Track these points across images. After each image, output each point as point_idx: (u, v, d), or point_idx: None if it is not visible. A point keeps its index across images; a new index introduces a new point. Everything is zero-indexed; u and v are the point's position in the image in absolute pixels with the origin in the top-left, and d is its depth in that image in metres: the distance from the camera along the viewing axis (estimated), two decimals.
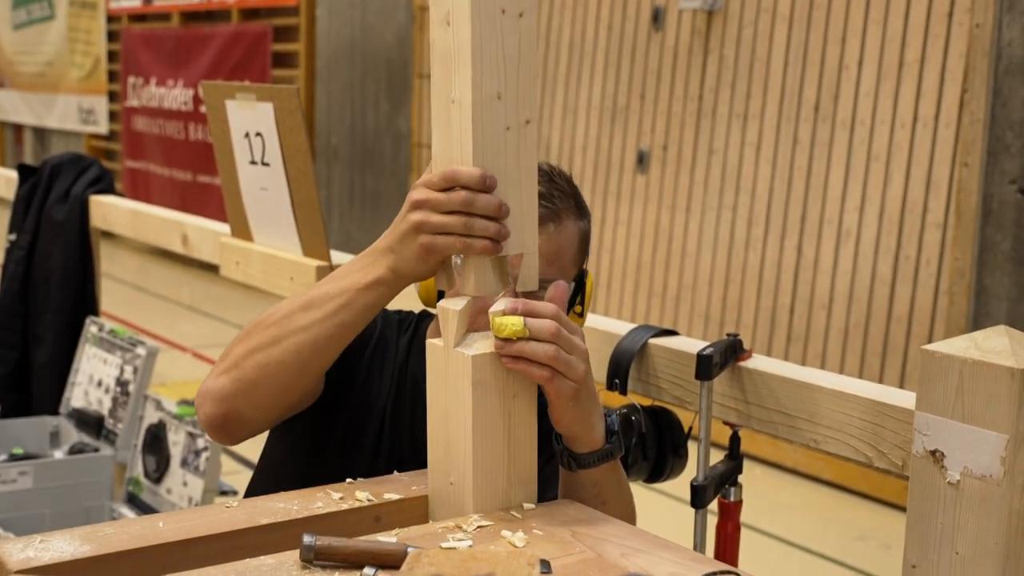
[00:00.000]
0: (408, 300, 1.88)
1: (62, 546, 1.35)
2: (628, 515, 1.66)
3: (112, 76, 11.10)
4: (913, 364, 4.74)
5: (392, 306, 1.73)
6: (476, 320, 1.47)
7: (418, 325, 1.90)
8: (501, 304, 1.43)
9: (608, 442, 1.55)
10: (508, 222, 1.47)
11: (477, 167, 1.43)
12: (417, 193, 1.47)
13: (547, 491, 1.63)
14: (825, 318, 5.09)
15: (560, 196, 1.70)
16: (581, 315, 1.82)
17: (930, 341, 4.67)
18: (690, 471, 1.94)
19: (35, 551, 1.34)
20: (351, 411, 1.81)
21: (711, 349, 1.81)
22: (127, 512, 3.33)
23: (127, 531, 1.40)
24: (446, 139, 1.46)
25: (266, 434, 1.87)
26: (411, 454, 1.79)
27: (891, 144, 4.84)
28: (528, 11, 1.45)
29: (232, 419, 1.65)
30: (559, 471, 1.60)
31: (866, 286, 4.92)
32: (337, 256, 2.73)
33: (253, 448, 1.89)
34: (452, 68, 1.44)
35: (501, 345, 1.43)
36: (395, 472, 1.69)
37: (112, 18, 11.02)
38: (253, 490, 1.84)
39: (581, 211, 1.76)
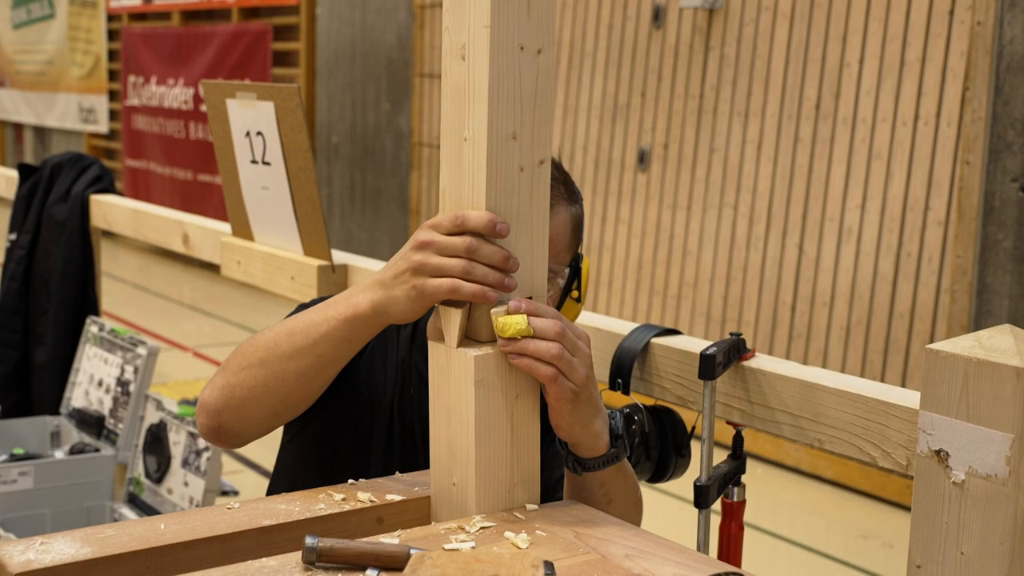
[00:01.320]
0: None
1: (63, 548, 1.35)
2: (635, 511, 1.67)
3: (112, 75, 11.09)
4: (915, 362, 4.74)
5: None
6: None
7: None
8: (503, 306, 1.43)
9: (613, 446, 1.55)
10: (518, 261, 1.44)
11: (488, 212, 1.40)
12: (422, 234, 1.44)
13: (552, 472, 1.63)
14: (827, 316, 5.09)
15: (553, 183, 1.69)
16: (578, 300, 1.82)
17: (932, 339, 4.67)
18: (693, 471, 1.93)
19: (36, 553, 1.33)
20: (358, 410, 1.81)
21: (714, 348, 1.80)
22: (128, 512, 3.33)
23: (128, 532, 1.40)
24: (457, 176, 1.44)
25: (279, 433, 1.87)
26: (423, 447, 1.79)
27: (893, 142, 4.83)
28: (547, 48, 1.41)
29: (224, 431, 1.67)
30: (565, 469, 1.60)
31: (868, 284, 4.92)
32: (338, 255, 2.73)
33: (255, 449, 1.89)
34: (466, 104, 1.40)
35: (505, 343, 1.42)
36: (410, 467, 1.69)
37: (112, 17, 11.02)
38: (274, 492, 1.85)
39: (573, 196, 1.76)
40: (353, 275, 2.68)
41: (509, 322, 1.41)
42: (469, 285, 1.40)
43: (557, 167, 1.72)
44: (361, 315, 1.51)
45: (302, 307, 1.87)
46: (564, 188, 1.73)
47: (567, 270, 1.78)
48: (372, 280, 1.52)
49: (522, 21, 1.39)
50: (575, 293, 1.81)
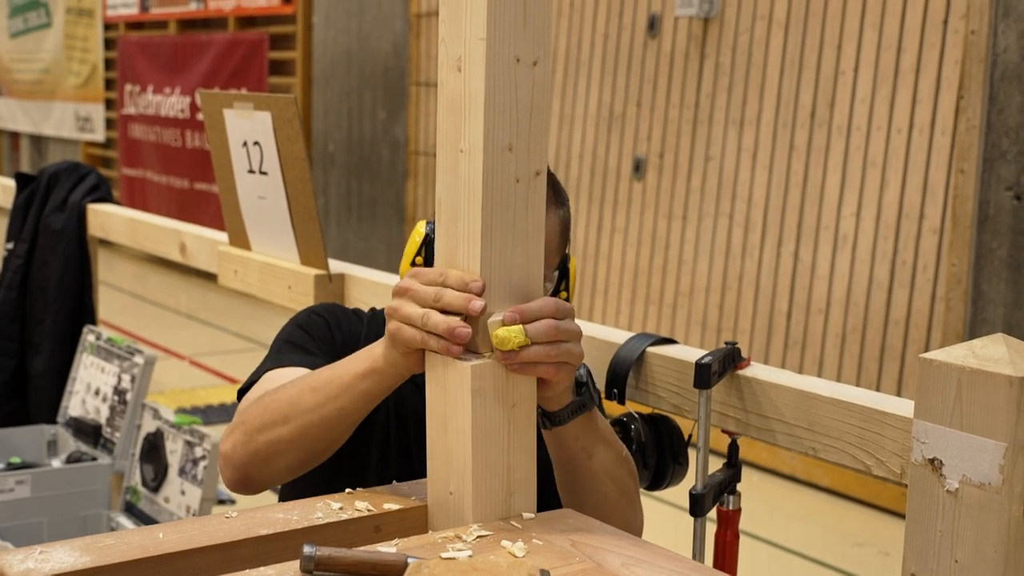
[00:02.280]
0: None
1: (62, 557, 1.35)
2: (618, 462, 1.69)
3: (109, 84, 11.10)
4: (910, 369, 4.74)
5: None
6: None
7: None
8: (498, 315, 1.43)
9: (578, 394, 1.57)
10: (515, 276, 1.45)
11: (464, 274, 1.42)
12: (403, 280, 1.49)
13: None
14: (822, 323, 5.10)
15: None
16: (567, 300, 1.84)
17: (927, 346, 4.68)
18: (689, 479, 1.94)
19: (35, 562, 1.34)
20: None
21: (709, 358, 1.81)
22: (125, 521, 3.33)
23: (127, 541, 1.40)
24: (453, 188, 1.44)
25: None
26: (416, 446, 1.82)
27: (887, 150, 4.85)
28: (543, 59, 1.42)
29: (251, 483, 1.69)
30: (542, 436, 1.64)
31: (863, 291, 4.93)
32: (335, 264, 2.73)
33: None
34: (462, 116, 1.41)
35: (505, 356, 1.43)
36: (406, 466, 1.70)
37: (109, 26, 11.03)
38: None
39: (560, 198, 1.79)
40: (349, 284, 2.69)
41: (508, 337, 1.42)
42: (434, 340, 1.43)
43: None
44: (377, 368, 1.54)
45: (300, 319, 1.91)
46: (552, 191, 1.74)
47: (556, 273, 1.80)
48: (377, 344, 1.57)
49: (518, 33, 1.40)
50: (563, 294, 1.85)
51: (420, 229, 1.85)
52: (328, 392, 1.58)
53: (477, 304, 1.41)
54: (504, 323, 1.42)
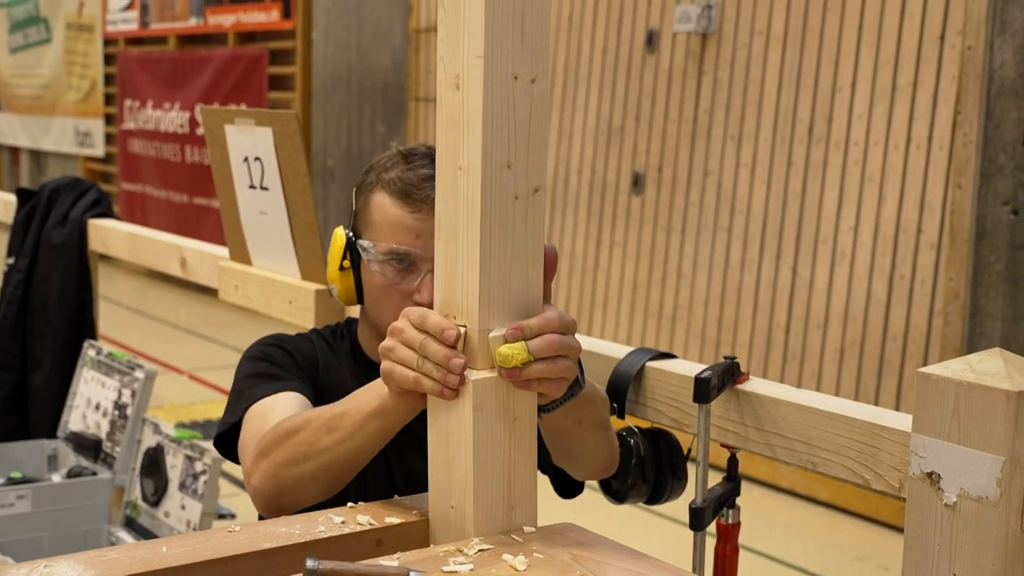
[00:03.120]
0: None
1: (66, 571, 1.36)
2: (603, 407, 1.77)
3: (108, 99, 11.12)
4: (909, 384, 4.75)
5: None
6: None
7: (348, 329, 2.02)
8: (499, 331, 1.43)
9: (569, 388, 1.57)
10: (514, 293, 1.46)
11: (444, 321, 1.45)
12: (398, 321, 1.51)
13: None
14: (821, 338, 5.11)
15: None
16: None
17: (926, 361, 4.68)
18: (689, 493, 1.95)
19: None
20: None
21: (709, 372, 1.82)
22: (125, 536, 3.33)
23: (131, 555, 1.41)
24: (452, 205, 1.45)
25: None
26: (397, 461, 1.91)
27: (885, 165, 4.86)
28: (540, 76, 1.42)
29: (284, 511, 1.71)
30: None
31: (861, 306, 4.94)
32: None
33: None
34: (460, 134, 1.42)
35: (509, 374, 1.44)
36: (391, 484, 1.71)
37: (109, 41, 11.06)
38: None
39: None
40: None
41: (511, 355, 1.42)
42: (428, 382, 1.45)
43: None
44: (387, 407, 1.57)
45: (253, 353, 1.96)
46: None
47: None
48: (377, 382, 1.60)
49: (516, 50, 1.41)
50: None
51: (340, 234, 1.91)
52: (343, 432, 1.61)
53: (458, 363, 1.43)
54: (506, 340, 1.43)
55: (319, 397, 1.90)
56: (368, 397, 1.60)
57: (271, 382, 1.88)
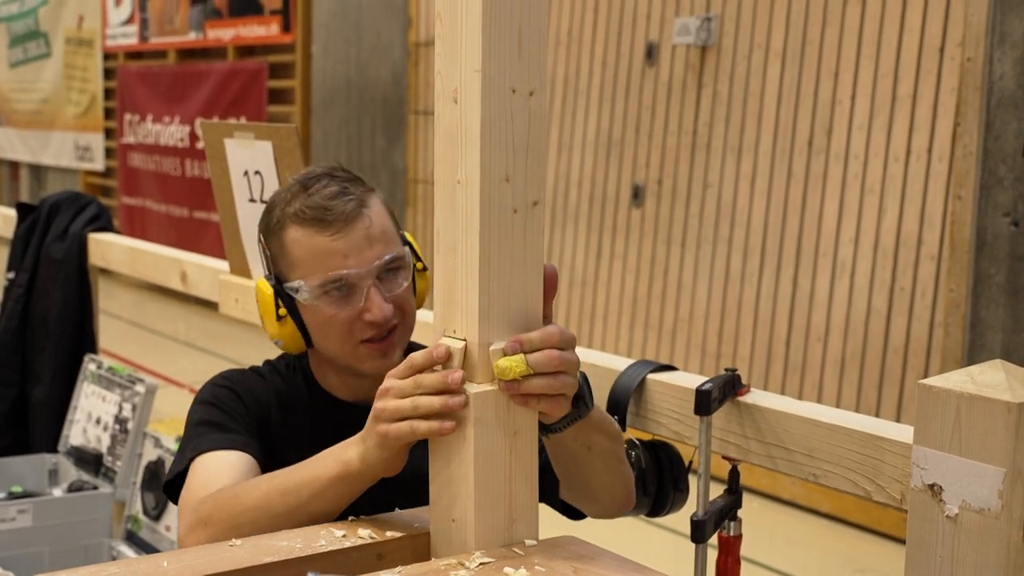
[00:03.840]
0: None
1: None
2: (615, 441, 1.70)
3: (108, 113, 11.14)
4: (910, 395, 4.75)
5: None
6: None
7: (300, 362, 1.94)
8: (499, 343, 1.43)
9: (575, 406, 1.54)
10: (513, 306, 1.45)
11: (427, 352, 1.46)
12: (385, 382, 1.50)
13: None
14: (821, 350, 5.11)
15: (352, 182, 1.78)
16: (425, 269, 1.88)
17: (926, 372, 4.68)
18: (691, 505, 1.94)
19: None
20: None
21: (710, 384, 1.82)
22: (126, 550, 3.33)
23: (131, 570, 1.41)
24: (451, 218, 1.45)
25: None
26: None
27: (885, 177, 4.86)
28: (539, 90, 1.43)
29: None
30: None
31: (862, 318, 4.94)
32: None
33: None
34: (459, 147, 1.42)
35: (507, 387, 1.43)
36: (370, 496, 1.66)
37: (108, 55, 11.07)
38: None
39: (370, 185, 1.83)
40: None
41: (510, 367, 1.42)
42: (424, 424, 1.45)
43: (342, 168, 1.82)
44: (352, 472, 1.54)
45: (205, 397, 1.88)
46: (361, 183, 1.81)
47: (407, 250, 1.82)
48: (357, 435, 1.55)
49: (513, 64, 1.41)
50: (419, 265, 1.87)
51: (264, 286, 1.82)
52: (299, 497, 1.57)
53: (457, 376, 1.43)
54: (505, 353, 1.43)
55: (271, 436, 1.84)
56: (329, 462, 1.56)
57: (219, 432, 1.80)
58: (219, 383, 1.90)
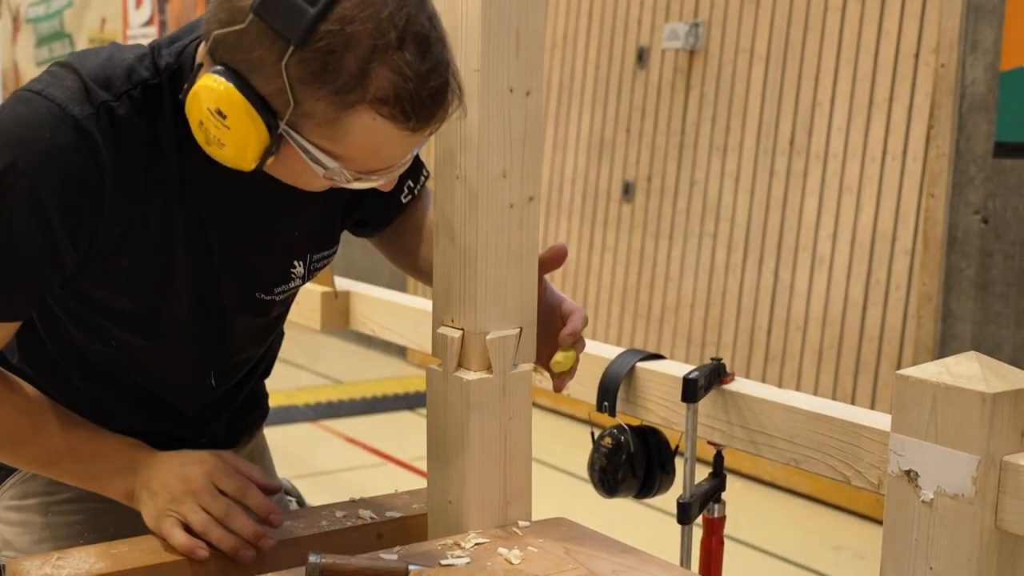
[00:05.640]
0: None
1: (78, 563, 1.33)
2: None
3: None
4: (884, 383, 4.73)
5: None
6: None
7: (178, 70, 1.35)
8: (496, 333, 1.42)
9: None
10: (509, 298, 1.43)
11: (268, 504, 1.41)
12: (199, 480, 1.38)
13: None
14: (801, 339, 5.09)
15: (449, 66, 1.25)
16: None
17: (900, 362, 4.67)
18: (677, 488, 1.93)
19: (52, 568, 1.32)
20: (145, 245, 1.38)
21: (696, 373, 1.80)
22: None
23: (140, 548, 1.39)
24: (449, 212, 1.43)
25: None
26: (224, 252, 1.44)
27: (862, 176, 4.84)
28: (535, 90, 1.41)
29: None
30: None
31: (839, 309, 4.92)
32: (340, 282, 2.72)
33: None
34: (458, 144, 1.40)
35: (559, 379, 1.49)
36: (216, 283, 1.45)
37: None
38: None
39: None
40: (354, 301, 2.67)
41: (567, 359, 1.49)
42: (227, 539, 1.37)
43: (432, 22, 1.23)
44: (112, 496, 1.43)
45: (35, 190, 1.27)
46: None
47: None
48: (143, 478, 1.40)
49: (511, 64, 1.39)
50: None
51: (238, 101, 1.21)
52: (69, 476, 1.43)
53: (266, 543, 1.38)
54: (562, 348, 1.45)
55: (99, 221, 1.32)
56: (115, 476, 1.41)
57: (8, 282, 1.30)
58: (40, 178, 1.27)
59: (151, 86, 1.34)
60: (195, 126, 1.25)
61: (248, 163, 1.24)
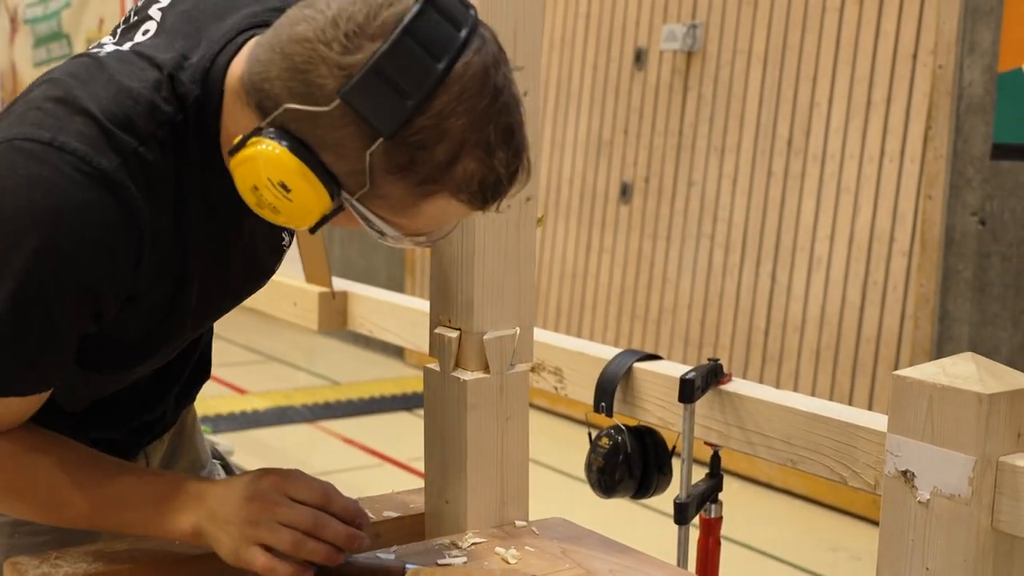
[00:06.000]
0: None
1: (76, 563, 1.34)
2: None
3: None
4: (881, 384, 4.74)
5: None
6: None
7: (205, 117, 1.24)
8: (494, 333, 1.42)
9: None
10: (506, 298, 1.42)
11: (357, 507, 1.29)
12: (272, 494, 1.25)
13: None
14: (798, 340, 5.09)
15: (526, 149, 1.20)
16: None
17: (897, 363, 4.67)
18: (674, 488, 1.93)
19: (50, 567, 1.32)
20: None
21: (693, 373, 1.80)
22: None
23: (140, 547, 1.39)
24: None
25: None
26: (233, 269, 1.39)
27: (859, 177, 4.85)
28: (532, 91, 1.41)
29: None
30: None
31: (836, 310, 4.92)
32: (338, 282, 2.72)
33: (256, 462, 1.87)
34: None
35: None
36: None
37: None
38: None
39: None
40: (352, 301, 2.67)
41: None
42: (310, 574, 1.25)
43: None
44: (178, 537, 1.30)
45: (62, 275, 1.15)
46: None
47: None
48: (207, 511, 1.27)
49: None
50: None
51: (311, 189, 1.17)
52: (125, 526, 1.29)
53: (364, 543, 1.26)
54: None
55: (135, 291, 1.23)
56: (156, 523, 1.27)
57: (26, 359, 1.18)
58: (62, 258, 1.13)
59: (177, 124, 1.21)
60: (246, 189, 1.16)
61: (302, 227, 1.20)
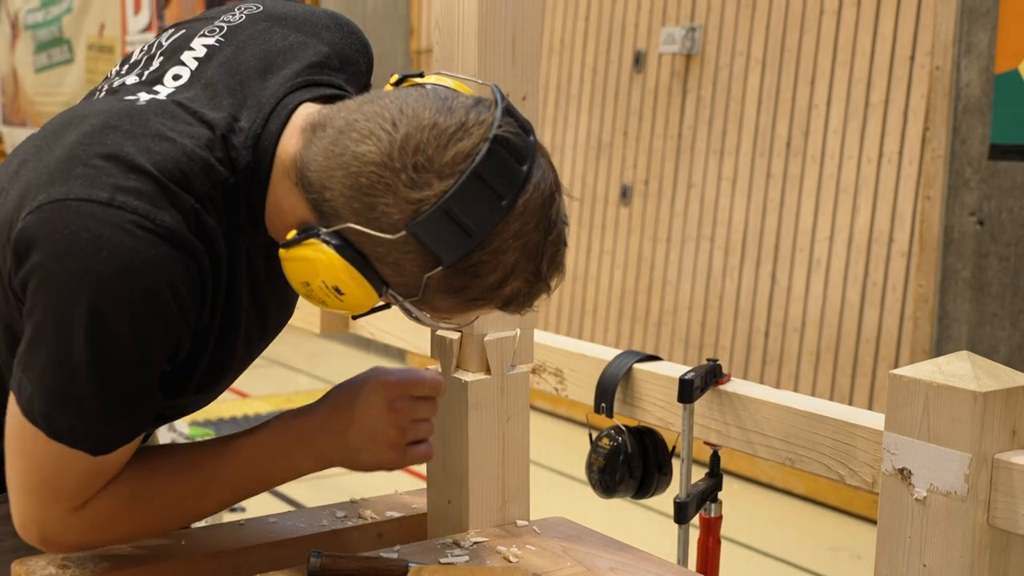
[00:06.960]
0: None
1: (83, 562, 1.35)
2: None
3: None
4: (881, 384, 4.74)
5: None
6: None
7: (249, 181, 1.25)
8: (494, 335, 1.43)
9: None
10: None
11: (438, 377, 1.33)
12: (400, 403, 1.30)
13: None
14: (798, 341, 5.10)
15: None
16: None
17: (896, 363, 4.68)
18: (674, 488, 1.94)
19: (57, 567, 1.33)
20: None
21: (692, 374, 1.81)
22: None
23: (145, 547, 1.40)
24: None
25: None
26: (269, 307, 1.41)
27: (858, 178, 4.86)
28: (531, 94, 1.43)
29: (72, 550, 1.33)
30: None
31: (836, 311, 4.93)
32: None
33: None
34: None
35: None
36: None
37: None
38: None
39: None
40: None
41: None
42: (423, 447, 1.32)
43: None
44: (331, 464, 1.34)
45: (146, 318, 1.16)
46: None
47: None
48: (328, 440, 1.30)
49: (507, 69, 1.41)
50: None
51: (358, 287, 1.23)
52: (253, 489, 1.31)
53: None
54: None
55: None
56: (305, 456, 1.30)
57: (129, 406, 1.20)
58: (145, 297, 1.14)
59: (228, 186, 1.22)
60: (297, 282, 1.20)
61: (348, 315, 1.25)
